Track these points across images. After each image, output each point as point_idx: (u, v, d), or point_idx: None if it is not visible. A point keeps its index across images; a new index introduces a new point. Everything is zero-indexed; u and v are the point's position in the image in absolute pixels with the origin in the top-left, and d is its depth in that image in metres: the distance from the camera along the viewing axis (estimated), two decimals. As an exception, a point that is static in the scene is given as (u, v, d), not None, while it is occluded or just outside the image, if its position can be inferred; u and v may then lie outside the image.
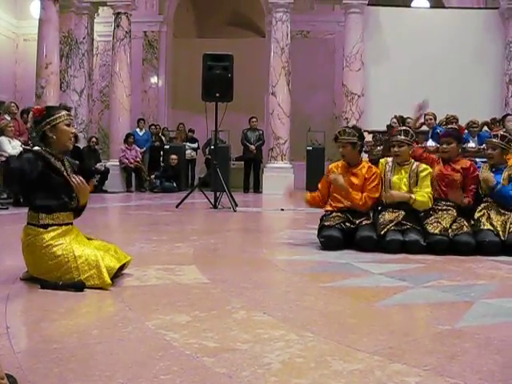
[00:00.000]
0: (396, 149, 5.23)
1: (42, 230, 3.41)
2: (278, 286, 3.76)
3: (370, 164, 5.53)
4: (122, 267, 3.61)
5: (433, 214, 5.07)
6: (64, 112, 3.58)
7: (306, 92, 16.35)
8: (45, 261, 3.37)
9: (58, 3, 13.53)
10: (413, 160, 5.32)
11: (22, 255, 3.49)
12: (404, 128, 5.46)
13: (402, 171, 5.26)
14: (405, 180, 5.22)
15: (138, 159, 14.53)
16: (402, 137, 5.24)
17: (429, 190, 5.14)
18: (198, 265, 4.16)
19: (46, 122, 3.51)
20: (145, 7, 17.33)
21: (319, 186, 5.46)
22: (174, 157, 14.52)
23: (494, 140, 5.25)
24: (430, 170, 5.23)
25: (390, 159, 5.39)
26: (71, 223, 3.57)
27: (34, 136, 10.11)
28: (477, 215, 5.12)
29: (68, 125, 3.57)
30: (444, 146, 5.27)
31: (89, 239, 3.65)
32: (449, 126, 5.82)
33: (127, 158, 14.33)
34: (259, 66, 16.76)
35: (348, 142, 5.25)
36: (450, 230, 4.91)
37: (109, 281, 3.32)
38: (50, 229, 3.42)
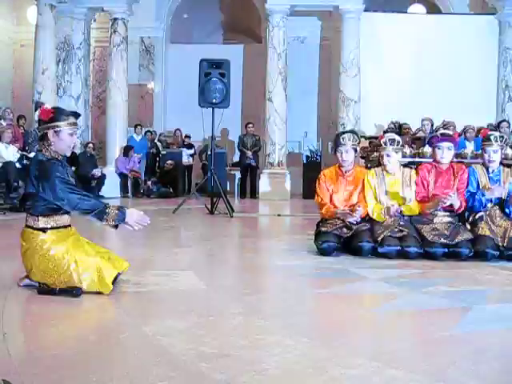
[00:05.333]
0: (394, 157, 5.20)
1: (41, 233, 3.40)
2: (275, 291, 3.76)
3: (358, 165, 5.53)
4: (119, 274, 3.59)
5: (430, 222, 5.04)
6: (71, 120, 3.55)
7: (303, 98, 16.37)
8: (45, 264, 3.36)
9: (55, 9, 13.54)
10: (402, 167, 5.33)
11: (21, 259, 3.48)
12: (391, 137, 5.37)
13: (396, 178, 5.24)
14: (399, 187, 5.20)
15: (135, 169, 14.48)
16: (394, 146, 5.21)
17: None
18: (196, 270, 4.16)
19: (50, 125, 3.48)
20: (141, 13, 17.33)
21: (321, 195, 5.29)
22: (169, 162, 14.51)
23: (499, 143, 5.20)
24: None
25: (377, 169, 5.35)
26: (69, 225, 3.56)
27: (30, 142, 10.14)
28: (476, 220, 5.08)
29: (71, 134, 3.54)
30: (446, 150, 5.13)
31: (88, 244, 3.64)
32: (442, 132, 5.72)
33: (125, 168, 14.32)
34: (256, 71, 16.79)
35: (354, 148, 5.25)
36: (448, 238, 4.88)
37: (110, 285, 3.31)
38: (49, 232, 3.41)
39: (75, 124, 3.59)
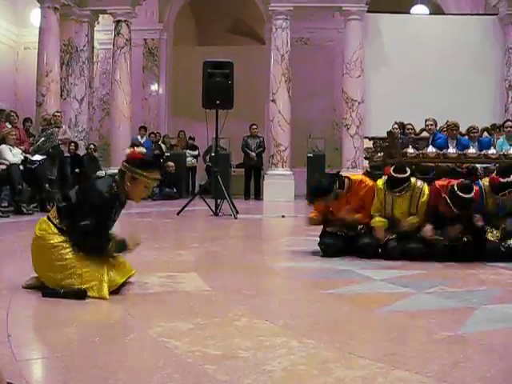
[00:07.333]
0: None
1: (57, 231, 3.40)
2: (279, 293, 3.76)
3: (359, 179, 5.23)
4: (126, 279, 3.58)
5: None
6: (154, 175, 3.55)
7: (306, 99, 16.38)
8: (51, 260, 3.34)
9: (59, 11, 13.58)
10: (414, 181, 5.02)
11: (30, 248, 3.46)
12: (405, 183, 4.93)
13: (404, 194, 5.02)
14: (407, 202, 4.99)
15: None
16: (402, 193, 4.94)
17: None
18: (200, 272, 4.16)
19: (131, 169, 3.47)
20: (145, 15, 17.38)
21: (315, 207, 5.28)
22: (170, 164, 14.49)
23: None
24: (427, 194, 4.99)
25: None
26: None
27: (38, 145, 10.20)
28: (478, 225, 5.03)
29: (147, 187, 3.56)
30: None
31: None
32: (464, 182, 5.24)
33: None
34: (259, 73, 16.80)
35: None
36: (451, 238, 4.86)
37: (107, 295, 3.27)
38: (65, 235, 3.40)
39: (155, 180, 3.60)
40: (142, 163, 3.50)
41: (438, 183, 5.05)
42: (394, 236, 4.95)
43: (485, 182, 5.13)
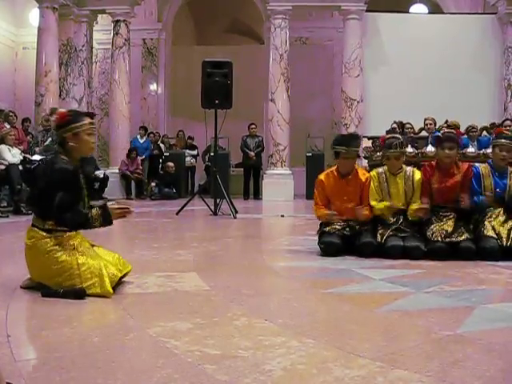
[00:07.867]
0: (393, 161, 5.18)
1: (46, 234, 3.40)
2: (278, 292, 3.76)
3: (360, 168, 5.44)
4: (123, 276, 3.59)
5: (433, 221, 5.03)
6: (87, 120, 3.56)
7: (305, 98, 16.38)
8: (47, 265, 3.35)
9: (57, 11, 13.57)
10: (404, 166, 5.28)
11: (25, 257, 3.47)
12: (398, 139, 5.21)
13: (398, 180, 5.19)
14: (401, 189, 5.17)
15: (138, 170, 14.47)
16: (399, 149, 5.16)
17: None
18: (199, 272, 4.15)
19: (67, 129, 3.49)
20: (144, 15, 17.37)
21: (317, 199, 5.33)
22: (170, 164, 14.50)
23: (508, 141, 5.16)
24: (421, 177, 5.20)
25: (380, 169, 5.29)
26: None
27: (47, 145, 10.21)
28: (480, 218, 5.06)
29: (90, 134, 3.56)
30: (447, 151, 5.15)
31: (92, 246, 3.63)
32: (446, 130, 5.69)
33: (129, 170, 14.32)
34: (258, 72, 16.80)
35: (355, 155, 5.20)
36: (452, 237, 4.87)
37: (110, 290, 3.30)
38: (54, 234, 3.41)
39: (92, 124, 3.60)
40: (73, 117, 3.54)
41: (428, 163, 5.40)
42: (391, 233, 4.96)
43: (481, 166, 5.27)
